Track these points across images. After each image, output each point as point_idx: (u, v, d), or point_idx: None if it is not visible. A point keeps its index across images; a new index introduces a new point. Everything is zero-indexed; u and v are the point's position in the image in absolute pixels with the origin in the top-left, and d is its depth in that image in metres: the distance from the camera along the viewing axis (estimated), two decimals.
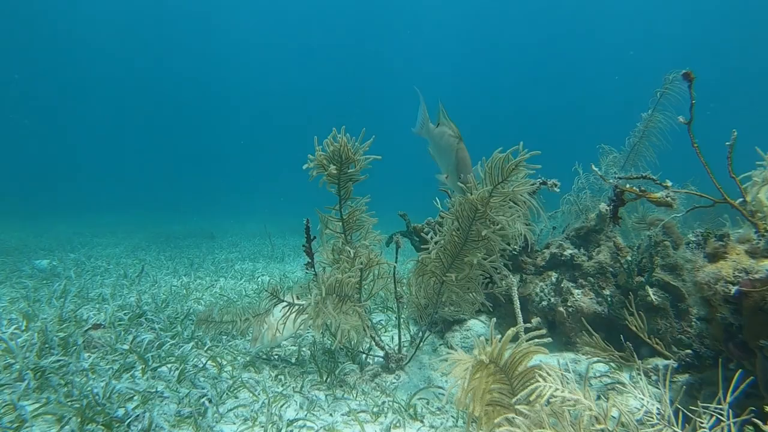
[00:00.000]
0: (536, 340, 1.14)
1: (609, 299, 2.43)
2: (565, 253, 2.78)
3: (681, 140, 3.32)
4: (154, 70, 37.41)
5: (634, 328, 2.07)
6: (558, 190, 2.01)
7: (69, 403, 1.71)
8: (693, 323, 2.28)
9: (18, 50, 32.26)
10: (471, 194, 1.83)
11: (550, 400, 1.05)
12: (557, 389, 1.05)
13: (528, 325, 2.58)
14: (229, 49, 37.77)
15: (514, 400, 1.17)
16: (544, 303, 2.68)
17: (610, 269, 2.66)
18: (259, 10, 35.89)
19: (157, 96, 39.60)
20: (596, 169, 1.74)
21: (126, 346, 2.35)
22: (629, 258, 2.47)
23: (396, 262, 2.28)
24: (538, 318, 2.71)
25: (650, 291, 2.33)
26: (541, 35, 34.74)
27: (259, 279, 4.73)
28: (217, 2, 33.70)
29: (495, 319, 1.30)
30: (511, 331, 1.15)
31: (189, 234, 10.35)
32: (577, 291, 2.66)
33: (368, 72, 40.37)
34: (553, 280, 2.71)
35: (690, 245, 1.41)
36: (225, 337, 2.70)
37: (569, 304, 2.62)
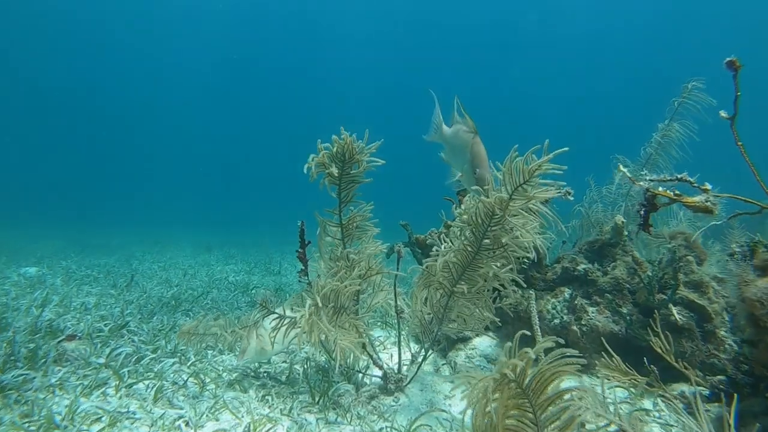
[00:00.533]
0: (571, 359, 0.95)
1: (628, 318, 2.23)
2: (578, 267, 2.60)
3: (699, 151, 3.15)
4: (165, 76, 37.25)
5: (659, 350, 1.87)
6: (572, 198, 1.83)
7: (25, 425, 1.51)
8: (725, 346, 2.08)
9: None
10: (487, 195, 1.65)
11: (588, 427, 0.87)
12: (597, 414, 0.86)
13: (549, 341, 2.38)
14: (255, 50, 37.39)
15: (543, 416, 0.98)
16: (556, 321, 2.49)
17: (627, 286, 2.47)
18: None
19: (160, 103, 39.51)
20: (624, 169, 1.57)
21: (102, 360, 2.16)
22: (650, 273, 2.28)
23: (397, 272, 2.09)
24: (555, 337, 2.51)
25: (674, 310, 2.14)
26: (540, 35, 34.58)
27: (253, 291, 4.53)
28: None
29: (522, 331, 1.11)
30: (539, 346, 0.96)
31: (187, 244, 10.17)
32: (591, 309, 2.46)
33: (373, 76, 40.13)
34: (566, 296, 2.51)
35: (734, 257, 1.23)
36: (211, 351, 2.50)
37: (583, 323, 2.43)
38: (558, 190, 1.57)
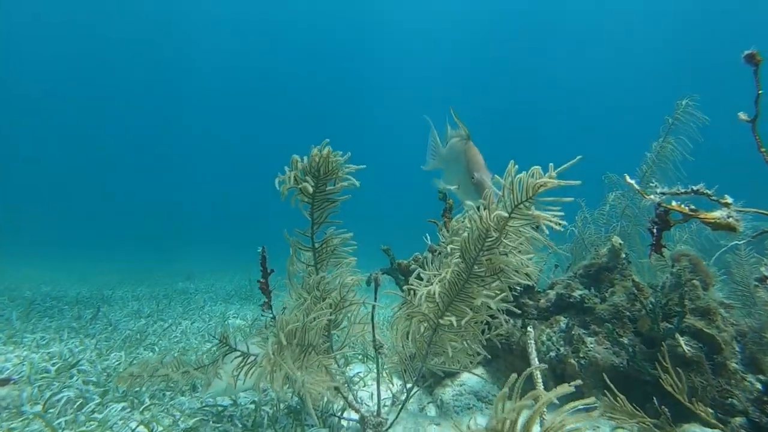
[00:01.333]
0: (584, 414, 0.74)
1: (631, 350, 2.03)
2: (574, 294, 2.39)
3: (694, 171, 3.01)
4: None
5: (670, 389, 1.66)
6: (561, 229, 1.65)
7: None
8: (743, 383, 1.88)
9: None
10: (486, 209, 1.45)
11: None
12: None
13: (565, 389, 2.13)
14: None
15: None
16: (552, 353, 2.27)
17: (628, 313, 2.27)
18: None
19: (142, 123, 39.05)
20: (632, 181, 1.39)
21: (38, 408, 1.88)
22: (652, 300, 2.09)
23: (375, 303, 1.87)
24: (568, 384, 2.29)
25: (681, 340, 1.94)
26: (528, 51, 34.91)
27: (228, 322, 4.26)
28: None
29: (535, 368, 0.90)
30: (552, 393, 0.75)
31: (167, 273, 9.81)
32: (589, 339, 2.25)
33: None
34: (563, 326, 2.31)
35: (766, 283, 1.04)
36: (169, 393, 2.24)
37: (581, 355, 2.21)
38: (552, 217, 1.38)
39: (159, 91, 37.52)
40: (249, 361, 1.73)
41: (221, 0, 32.89)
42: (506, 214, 1.40)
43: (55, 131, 36.98)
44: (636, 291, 2.25)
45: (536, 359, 1.62)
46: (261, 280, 1.68)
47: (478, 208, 1.54)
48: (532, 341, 1.69)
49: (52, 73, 33.59)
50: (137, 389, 2.17)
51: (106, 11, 30.38)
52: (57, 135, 37.13)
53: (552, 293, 2.51)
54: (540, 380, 1.58)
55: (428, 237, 2.71)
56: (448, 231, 1.91)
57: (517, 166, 1.39)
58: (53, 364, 2.43)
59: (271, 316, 1.75)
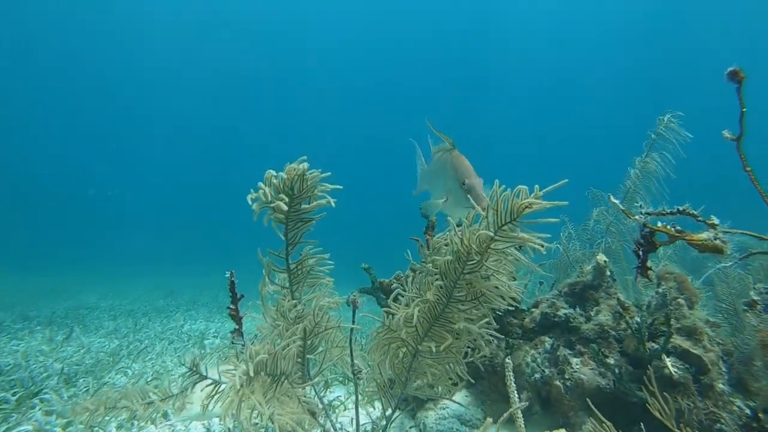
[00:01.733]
0: None
1: (617, 371, 1.97)
2: (558, 313, 2.34)
3: (680, 189, 3.00)
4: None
5: (657, 414, 1.60)
6: (544, 251, 1.59)
7: None
8: (732, 406, 1.83)
9: None
10: (469, 229, 1.39)
11: None
12: None
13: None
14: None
15: None
16: (537, 375, 2.20)
17: (613, 333, 2.22)
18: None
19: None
20: (616, 201, 1.34)
21: None
22: (638, 319, 2.04)
23: (353, 326, 1.79)
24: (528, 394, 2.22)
25: (668, 362, 1.89)
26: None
27: (206, 342, 4.12)
28: None
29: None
30: None
31: (148, 289, 9.58)
32: (575, 360, 2.19)
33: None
34: (547, 347, 2.24)
35: (755, 309, 0.99)
36: (137, 422, 2.12)
37: (567, 377, 2.15)
38: (536, 239, 1.33)
39: (149, 96, 37.10)
40: (220, 389, 1.64)
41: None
42: (490, 234, 1.35)
43: (34, 135, 36.16)
44: (621, 310, 2.20)
45: (516, 393, 1.55)
46: (230, 306, 1.60)
47: (459, 225, 1.48)
48: (511, 373, 1.62)
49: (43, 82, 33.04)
50: (99, 420, 2.05)
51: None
52: (30, 139, 36.21)
53: (537, 312, 2.45)
54: (521, 418, 1.51)
55: (409, 253, 2.65)
56: (429, 249, 1.84)
57: (503, 186, 1.33)
58: (14, 394, 2.30)
59: (242, 343, 1.66)
